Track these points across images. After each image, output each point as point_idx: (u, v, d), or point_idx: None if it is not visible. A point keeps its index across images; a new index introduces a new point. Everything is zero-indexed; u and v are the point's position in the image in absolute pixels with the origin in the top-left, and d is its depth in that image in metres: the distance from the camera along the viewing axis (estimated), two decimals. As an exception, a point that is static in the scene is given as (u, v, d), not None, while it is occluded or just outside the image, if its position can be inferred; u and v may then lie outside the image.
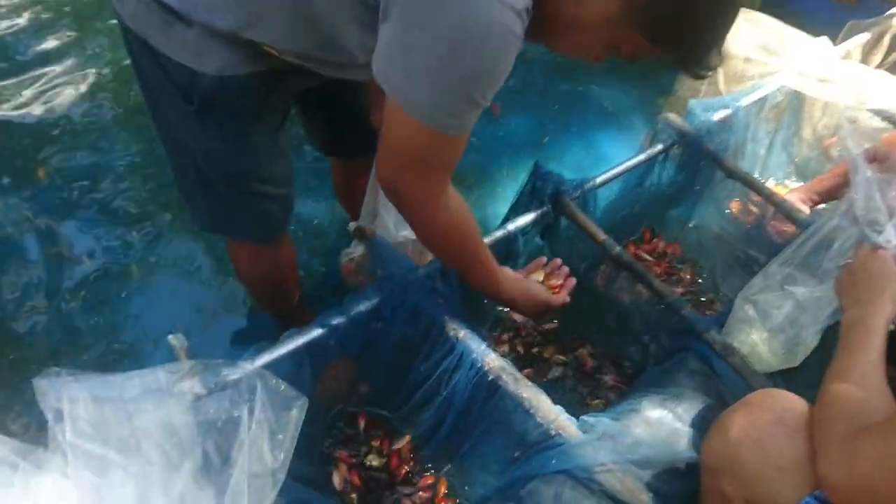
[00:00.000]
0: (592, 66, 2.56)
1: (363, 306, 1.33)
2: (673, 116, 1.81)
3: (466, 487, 1.43)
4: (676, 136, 1.79)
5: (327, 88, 1.30)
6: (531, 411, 1.21)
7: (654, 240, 1.97)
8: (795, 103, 2.10)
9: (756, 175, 2.15)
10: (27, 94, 2.37)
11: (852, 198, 1.19)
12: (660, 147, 1.77)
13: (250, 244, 1.48)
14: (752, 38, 2.12)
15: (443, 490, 1.42)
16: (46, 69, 2.47)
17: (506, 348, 1.71)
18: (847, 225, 1.21)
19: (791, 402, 1.00)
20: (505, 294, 1.32)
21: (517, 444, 1.24)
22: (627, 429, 1.23)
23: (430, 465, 1.46)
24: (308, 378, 1.31)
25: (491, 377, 1.25)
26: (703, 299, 1.85)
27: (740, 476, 0.97)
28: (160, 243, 2.01)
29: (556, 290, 1.41)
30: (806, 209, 1.81)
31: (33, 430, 1.57)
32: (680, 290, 1.87)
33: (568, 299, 1.40)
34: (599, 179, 1.66)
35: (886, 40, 2.30)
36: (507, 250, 1.56)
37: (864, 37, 2.24)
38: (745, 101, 1.90)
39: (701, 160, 1.83)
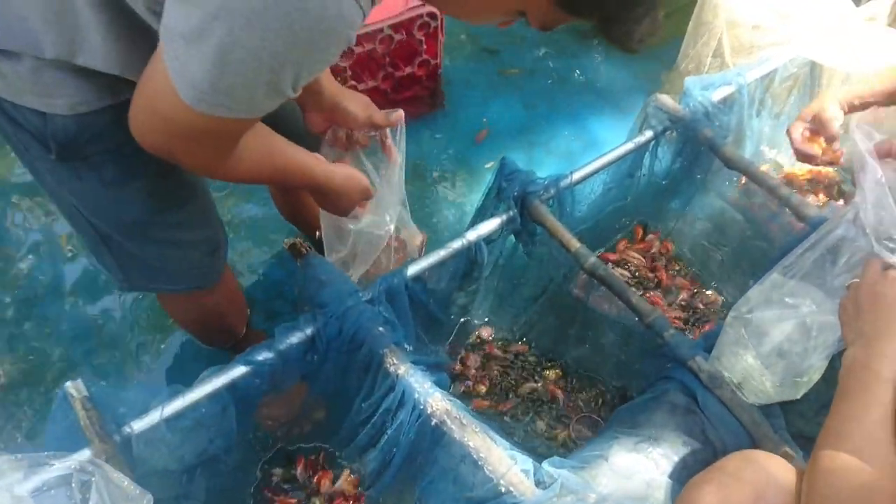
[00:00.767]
0: (585, 39, 2.37)
1: (295, 338, 1.18)
2: (664, 98, 1.60)
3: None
4: (669, 121, 1.58)
5: None
6: (480, 462, 1.04)
7: (649, 237, 1.76)
8: (811, 75, 1.85)
9: (765, 155, 1.94)
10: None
11: (859, 204, 0.97)
12: (649, 134, 1.56)
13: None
14: (763, 2, 1.87)
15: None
16: None
17: (472, 368, 1.55)
18: (855, 236, 1.00)
19: (774, 471, 0.81)
20: (324, 186, 1.13)
21: (467, 499, 1.08)
22: (594, 480, 1.06)
23: (378, 510, 1.31)
24: (232, 424, 1.16)
25: (434, 421, 1.08)
26: (701, 306, 1.65)
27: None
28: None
29: None
30: (840, 116, 1.49)
31: None
32: (684, 295, 1.68)
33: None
34: (576, 176, 1.46)
35: (919, -4, 2.03)
36: (469, 262, 1.38)
37: (894, -6, 1.97)
38: (752, 76, 1.67)
39: (699, 146, 1.62)
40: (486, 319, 1.62)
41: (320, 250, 1.68)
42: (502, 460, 1.03)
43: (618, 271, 1.70)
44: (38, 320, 1.70)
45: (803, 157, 1.51)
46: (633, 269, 1.72)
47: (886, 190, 0.95)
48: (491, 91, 2.22)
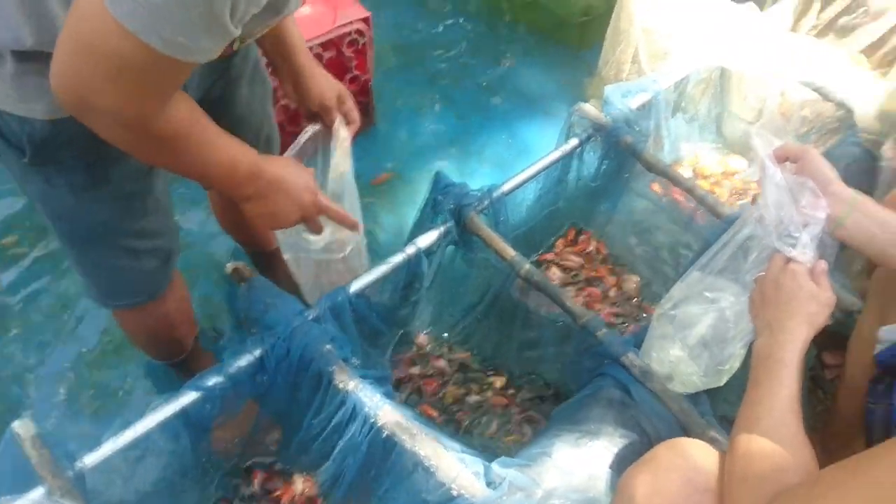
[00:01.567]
0: (509, 46, 2.44)
1: (244, 361, 1.20)
2: (587, 107, 1.68)
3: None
4: (592, 129, 1.66)
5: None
6: (431, 469, 1.09)
7: (582, 237, 1.85)
8: (721, 78, 1.97)
9: (684, 155, 2.05)
10: None
11: (762, 205, 1.06)
12: (574, 142, 1.64)
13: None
14: (675, 12, 1.98)
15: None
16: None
17: (415, 374, 1.60)
18: (762, 234, 1.09)
19: (700, 457, 0.88)
20: (254, 172, 1.00)
21: (421, 504, 1.12)
22: (539, 477, 1.11)
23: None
24: (186, 451, 1.18)
25: (386, 433, 1.13)
26: (635, 302, 1.74)
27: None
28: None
29: None
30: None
31: None
32: (616, 291, 1.77)
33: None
34: (507, 186, 1.52)
35: (817, 3, 2.18)
36: (410, 274, 1.43)
37: (794, 0, 2.11)
38: (666, 82, 1.77)
39: (621, 150, 1.70)
40: (429, 329, 1.67)
41: (268, 267, 1.71)
42: (452, 465, 1.08)
43: (557, 271, 1.78)
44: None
45: None
46: (571, 268, 1.79)
47: (785, 192, 1.04)
48: (422, 103, 2.27)
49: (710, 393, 1.22)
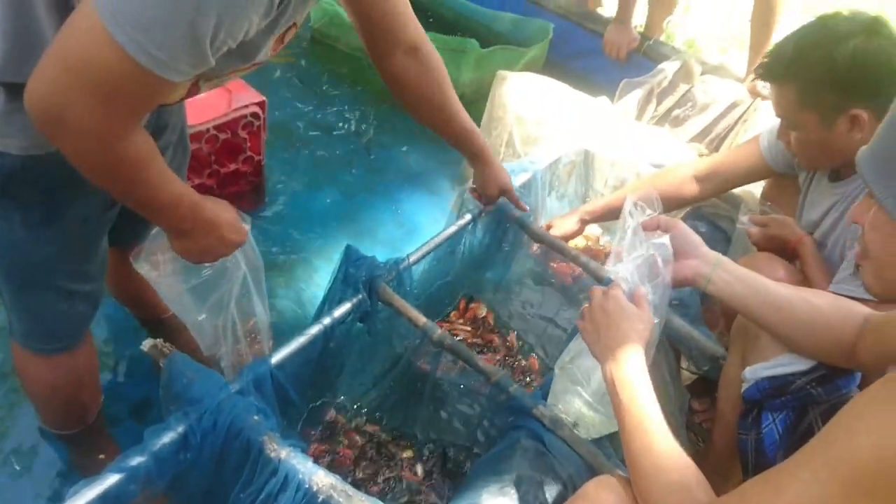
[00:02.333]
0: (394, 128, 2.60)
1: (167, 438, 1.18)
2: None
3: None
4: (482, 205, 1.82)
5: None
6: (370, 529, 1.12)
7: (472, 306, 1.97)
8: (585, 161, 2.22)
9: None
10: None
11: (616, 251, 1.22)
12: (468, 218, 1.78)
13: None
14: (542, 102, 2.23)
15: None
16: None
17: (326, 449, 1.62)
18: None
19: (626, 490, 0.99)
20: (193, 207, 1.08)
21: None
22: (471, 527, 1.18)
23: None
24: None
25: (321, 497, 1.15)
26: (524, 363, 1.88)
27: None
28: None
29: None
30: (575, 226, 1.92)
31: None
32: (501, 354, 1.89)
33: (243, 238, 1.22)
34: (413, 257, 1.63)
35: (655, 96, 2.54)
36: (325, 344, 1.47)
37: (638, 93, 2.45)
38: (542, 163, 1.98)
39: (508, 224, 1.87)
40: (341, 399, 1.70)
41: (167, 336, 1.67)
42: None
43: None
44: None
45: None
46: (463, 337, 1.91)
47: (637, 240, 1.20)
48: (313, 183, 2.35)
49: (613, 435, 1.36)
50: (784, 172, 1.70)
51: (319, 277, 2.02)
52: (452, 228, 1.74)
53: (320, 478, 1.16)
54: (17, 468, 1.54)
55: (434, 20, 3.13)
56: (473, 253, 1.93)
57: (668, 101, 2.66)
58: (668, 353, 1.60)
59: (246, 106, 1.97)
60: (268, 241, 2.11)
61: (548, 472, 1.28)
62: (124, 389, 1.71)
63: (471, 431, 1.58)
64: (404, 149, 2.59)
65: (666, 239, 1.21)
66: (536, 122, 2.21)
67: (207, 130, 1.92)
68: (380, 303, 1.54)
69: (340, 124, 2.59)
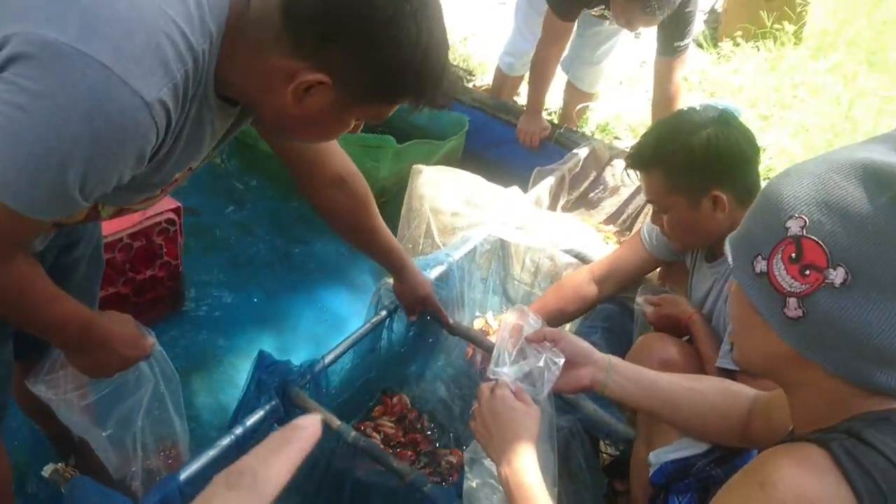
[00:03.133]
0: (313, 224, 2.63)
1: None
2: (392, 281, 1.87)
3: None
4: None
5: None
6: None
7: (394, 400, 1.98)
8: (502, 249, 2.30)
9: (478, 314, 2.30)
10: None
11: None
12: (384, 314, 1.81)
13: None
14: (456, 193, 2.31)
15: None
16: None
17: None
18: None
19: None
20: (84, 324, 1.10)
21: None
22: None
23: None
24: None
25: None
26: (450, 458, 1.87)
27: None
28: None
29: None
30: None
31: None
32: (428, 448, 1.89)
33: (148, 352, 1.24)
34: (328, 359, 1.64)
35: (567, 182, 2.66)
36: (239, 454, 1.45)
37: (550, 181, 2.56)
38: (458, 255, 2.03)
39: (427, 317, 1.90)
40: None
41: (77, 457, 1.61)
42: None
43: (376, 436, 1.87)
44: None
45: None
46: (386, 434, 1.90)
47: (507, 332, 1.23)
48: (233, 284, 2.35)
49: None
50: (669, 260, 1.81)
51: (240, 380, 2.00)
52: (367, 326, 1.77)
53: None
54: None
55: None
56: (395, 347, 1.95)
57: (582, 186, 2.79)
58: (583, 440, 1.63)
59: (160, 213, 1.98)
60: (187, 346, 2.09)
61: (465, 573, 1.27)
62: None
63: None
64: (324, 244, 2.62)
65: (558, 353, 1.21)
66: (452, 213, 2.28)
67: (121, 239, 1.92)
68: (295, 408, 1.54)
69: (260, 223, 2.62)
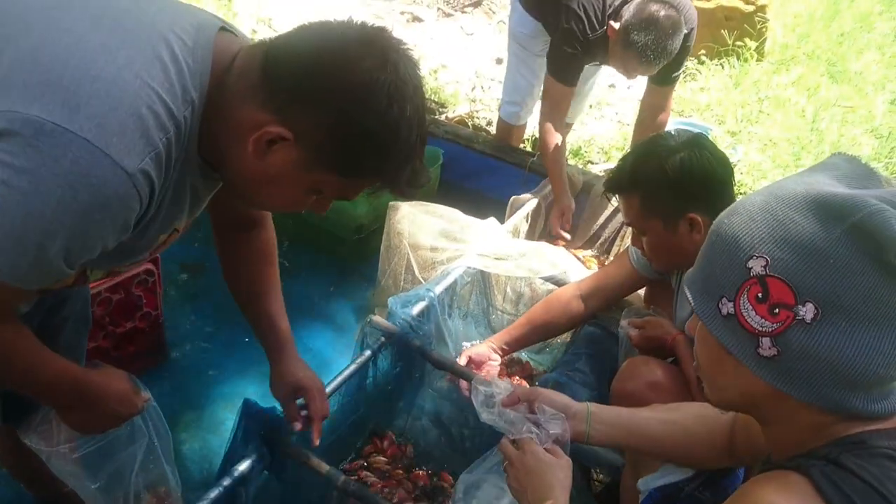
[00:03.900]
0: (294, 263, 2.63)
1: None
2: (378, 319, 1.88)
3: None
4: (384, 337, 1.85)
5: None
6: None
7: (385, 441, 1.97)
8: (482, 280, 2.31)
9: (465, 344, 2.31)
10: None
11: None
12: (368, 353, 1.81)
13: None
14: (434, 227, 2.33)
15: None
16: None
17: None
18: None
19: None
20: (76, 384, 1.11)
21: None
22: None
23: None
24: None
25: None
26: (444, 489, 1.87)
27: None
28: None
29: None
30: (497, 358, 2.00)
31: None
32: (422, 482, 1.88)
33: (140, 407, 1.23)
34: (314, 402, 1.62)
35: (543, 209, 2.68)
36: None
37: (527, 209, 2.59)
38: (438, 289, 2.04)
39: (412, 353, 1.91)
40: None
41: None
42: None
43: (368, 476, 1.86)
44: None
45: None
46: (379, 473, 1.89)
47: (492, 402, 1.24)
48: (216, 330, 2.34)
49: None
50: (655, 278, 1.83)
51: (226, 428, 1.98)
52: (353, 367, 1.77)
53: None
54: None
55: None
56: (382, 384, 1.94)
57: (558, 212, 2.81)
58: (574, 472, 1.63)
59: (138, 263, 1.97)
60: (171, 396, 2.07)
61: None
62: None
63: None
64: (305, 285, 2.62)
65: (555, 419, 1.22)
66: (431, 248, 2.29)
67: (99, 293, 1.91)
68: (282, 455, 1.53)
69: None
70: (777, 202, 0.81)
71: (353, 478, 1.78)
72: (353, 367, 1.77)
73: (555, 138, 2.62)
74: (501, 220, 2.47)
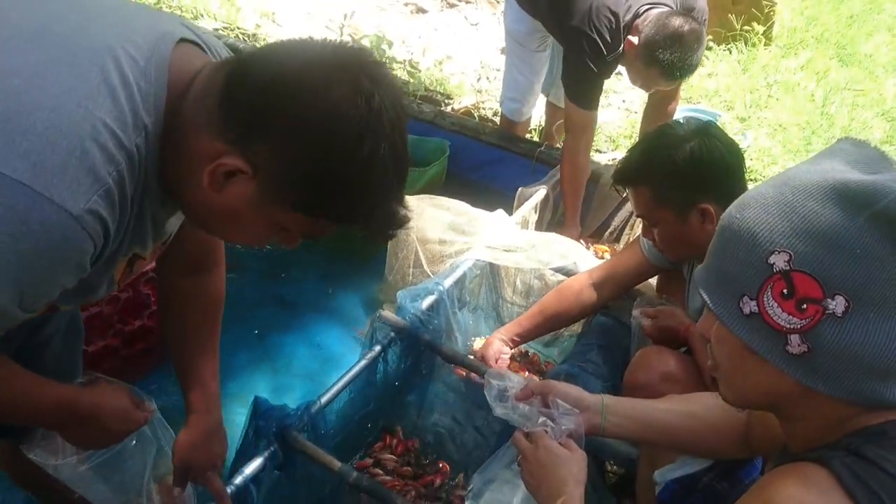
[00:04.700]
0: (302, 261, 2.63)
1: None
2: (387, 314, 1.87)
3: None
4: (393, 332, 1.84)
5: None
6: None
7: (394, 438, 1.96)
8: (491, 273, 2.29)
9: (472, 338, 2.29)
10: None
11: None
12: (378, 349, 1.79)
13: None
14: (442, 221, 2.31)
15: None
16: None
17: None
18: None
19: None
20: (70, 404, 1.07)
21: None
22: None
23: None
24: None
25: None
26: (457, 486, 1.86)
27: None
28: None
29: None
30: (508, 350, 1.99)
31: None
32: (437, 481, 1.87)
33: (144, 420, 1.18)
34: (325, 399, 1.62)
35: (551, 199, 2.66)
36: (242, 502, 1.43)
37: (535, 200, 2.57)
38: (447, 283, 2.03)
39: (421, 347, 1.89)
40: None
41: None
42: None
43: (377, 473, 1.85)
44: None
45: None
46: (389, 469, 1.88)
47: (507, 398, 1.22)
48: (225, 326, 2.30)
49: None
50: (667, 267, 1.81)
51: (236, 426, 1.97)
52: (363, 363, 1.75)
53: None
54: None
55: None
56: (391, 380, 1.93)
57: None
58: (589, 464, 1.62)
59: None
60: (180, 394, 2.06)
61: None
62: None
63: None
64: (313, 281, 2.61)
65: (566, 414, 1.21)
66: (439, 241, 2.28)
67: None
68: (294, 452, 1.52)
69: (247, 263, 2.60)
70: (793, 193, 0.78)
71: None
72: (363, 362, 1.76)
73: (579, 157, 2.51)
74: (509, 211, 2.45)
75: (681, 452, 1.29)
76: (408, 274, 2.34)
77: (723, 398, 0.91)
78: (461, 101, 3.87)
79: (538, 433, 1.17)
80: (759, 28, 4.62)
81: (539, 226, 2.62)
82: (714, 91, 4.17)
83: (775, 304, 0.78)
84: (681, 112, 3.07)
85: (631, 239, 2.60)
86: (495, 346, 1.96)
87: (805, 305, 0.76)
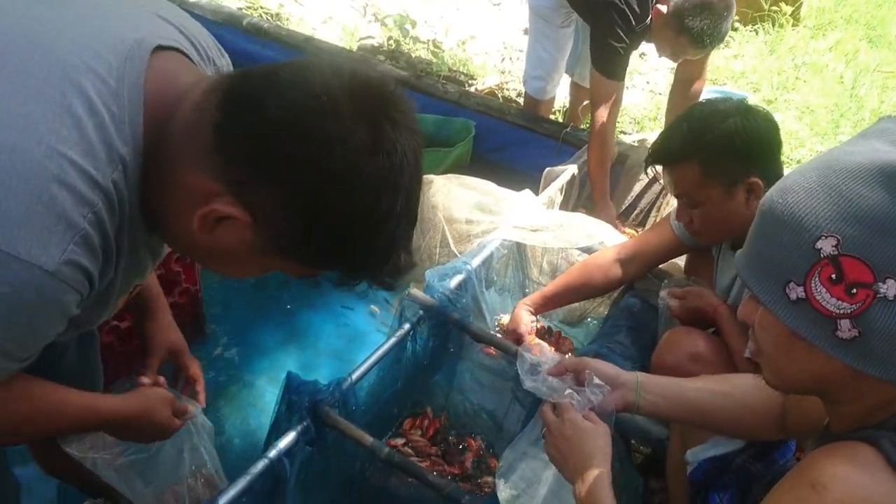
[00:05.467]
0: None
1: None
2: (416, 292, 1.87)
3: None
4: (422, 310, 1.85)
5: None
6: None
7: (423, 417, 1.97)
8: (518, 252, 2.29)
9: (499, 314, 2.29)
10: None
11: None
12: (407, 327, 1.80)
13: None
14: (468, 200, 2.31)
15: None
16: None
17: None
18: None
19: None
20: (113, 418, 1.06)
21: None
22: None
23: None
24: None
25: None
26: (488, 463, 1.87)
27: None
28: None
29: None
30: (530, 317, 2.00)
31: None
32: (469, 458, 1.88)
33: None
34: (356, 375, 1.63)
35: (577, 180, 2.65)
36: (274, 479, 1.45)
37: (562, 181, 2.55)
38: (475, 262, 2.03)
39: (450, 326, 1.90)
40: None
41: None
42: None
43: (408, 454, 1.87)
44: None
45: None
46: (418, 448, 1.89)
47: (539, 370, 1.23)
48: (251, 307, 2.35)
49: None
50: (695, 246, 1.80)
51: (265, 402, 2.00)
52: (392, 340, 1.76)
53: None
54: None
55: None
56: (419, 358, 1.94)
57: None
58: (616, 442, 1.62)
59: (177, 240, 1.98)
60: (212, 371, 2.09)
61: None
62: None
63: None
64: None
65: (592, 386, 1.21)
66: (466, 221, 2.28)
67: (140, 269, 1.92)
68: (326, 427, 1.53)
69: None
70: (837, 176, 0.77)
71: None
72: (392, 339, 1.77)
73: (608, 128, 2.50)
74: (535, 191, 2.44)
75: (715, 432, 1.29)
76: (435, 253, 2.34)
77: (767, 383, 0.91)
78: (485, 82, 3.85)
79: (564, 405, 1.17)
80: (787, 8, 4.55)
81: (565, 206, 2.61)
82: (740, 73, 4.12)
83: (823, 290, 0.77)
84: (706, 94, 3.03)
85: (658, 218, 2.59)
86: (524, 318, 1.96)
87: (855, 290, 0.76)
